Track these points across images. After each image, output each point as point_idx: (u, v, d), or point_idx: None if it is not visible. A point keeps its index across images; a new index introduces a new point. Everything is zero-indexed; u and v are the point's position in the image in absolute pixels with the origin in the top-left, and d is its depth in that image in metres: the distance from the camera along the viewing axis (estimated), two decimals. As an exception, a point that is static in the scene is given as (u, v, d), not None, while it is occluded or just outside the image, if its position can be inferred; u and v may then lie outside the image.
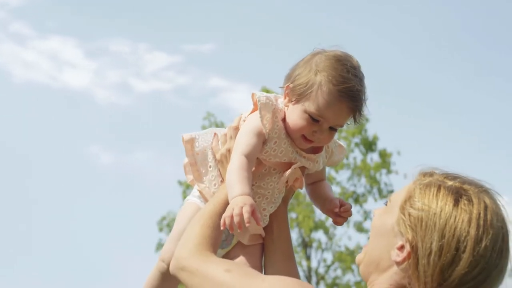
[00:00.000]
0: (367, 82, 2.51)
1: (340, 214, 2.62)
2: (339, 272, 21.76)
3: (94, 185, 29.32)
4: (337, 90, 2.41)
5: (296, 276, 2.57)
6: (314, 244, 21.83)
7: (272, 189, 2.59)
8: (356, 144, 21.76)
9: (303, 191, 16.43)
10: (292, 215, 21.05)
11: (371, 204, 21.70)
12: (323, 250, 21.86)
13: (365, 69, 2.53)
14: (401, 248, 1.92)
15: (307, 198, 20.27)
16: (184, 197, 22.19)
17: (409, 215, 1.92)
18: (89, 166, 28.96)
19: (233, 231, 2.30)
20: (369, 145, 21.77)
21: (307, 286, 2.01)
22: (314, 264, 21.89)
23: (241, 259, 2.61)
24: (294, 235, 21.59)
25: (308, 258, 21.72)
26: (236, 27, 28.84)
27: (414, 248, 1.89)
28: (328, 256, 21.90)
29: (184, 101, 28.72)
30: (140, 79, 30.94)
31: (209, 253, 2.29)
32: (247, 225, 2.26)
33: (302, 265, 21.63)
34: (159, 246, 22.82)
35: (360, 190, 21.90)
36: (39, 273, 27.54)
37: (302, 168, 2.58)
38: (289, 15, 28.86)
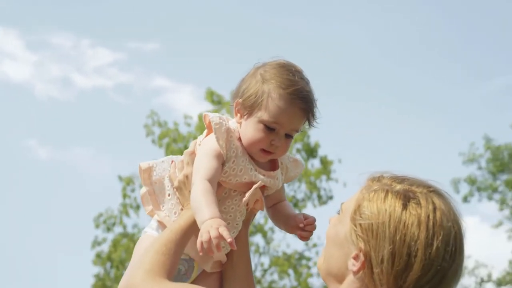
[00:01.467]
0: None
1: (304, 228, 2.56)
2: (275, 276, 21.86)
3: (30, 179, 28.81)
4: (287, 93, 2.42)
5: None
6: (252, 248, 21.86)
7: (234, 213, 2.53)
8: (298, 150, 21.89)
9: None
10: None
11: (310, 209, 21.86)
12: (260, 254, 21.91)
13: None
14: (356, 257, 1.91)
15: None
16: (124, 194, 21.94)
17: (360, 225, 1.91)
18: (25, 160, 28.44)
19: (212, 253, 2.21)
20: (310, 152, 21.92)
21: None
22: (251, 267, 21.91)
23: None
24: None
25: (245, 261, 21.72)
26: (181, 28, 28.71)
27: (367, 257, 1.88)
28: (265, 260, 21.99)
29: (126, 99, 28.43)
30: (81, 74, 30.51)
31: (162, 279, 2.21)
32: (228, 240, 2.18)
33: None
34: (95, 243, 22.51)
35: (299, 195, 22.03)
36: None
37: (262, 189, 2.54)
38: (234, 17, 28.89)
